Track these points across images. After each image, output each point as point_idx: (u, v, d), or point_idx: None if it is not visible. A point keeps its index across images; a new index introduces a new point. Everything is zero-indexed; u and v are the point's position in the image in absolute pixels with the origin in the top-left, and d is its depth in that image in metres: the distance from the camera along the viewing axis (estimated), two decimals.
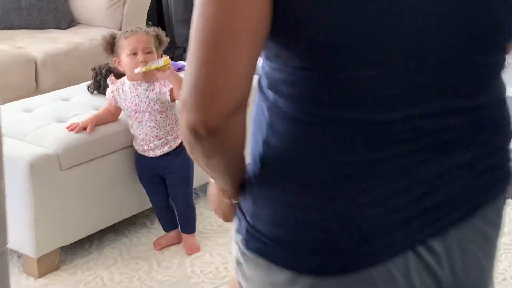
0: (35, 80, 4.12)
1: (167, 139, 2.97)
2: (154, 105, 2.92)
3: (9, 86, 3.87)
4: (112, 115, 3.05)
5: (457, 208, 1.14)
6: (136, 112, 2.95)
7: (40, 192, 2.78)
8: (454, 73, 1.09)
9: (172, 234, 3.13)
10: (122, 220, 3.19)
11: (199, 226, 3.16)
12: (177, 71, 3.63)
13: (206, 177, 1.36)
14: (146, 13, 4.87)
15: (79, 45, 4.33)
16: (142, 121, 2.95)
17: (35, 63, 4.12)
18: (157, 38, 2.99)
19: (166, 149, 2.98)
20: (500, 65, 1.15)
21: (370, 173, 1.08)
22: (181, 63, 3.82)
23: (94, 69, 3.35)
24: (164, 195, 3.08)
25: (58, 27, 4.62)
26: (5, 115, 3.06)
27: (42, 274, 2.88)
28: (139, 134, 2.97)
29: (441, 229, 1.12)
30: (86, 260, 3.02)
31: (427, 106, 1.08)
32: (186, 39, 5.36)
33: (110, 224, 3.13)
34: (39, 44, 4.23)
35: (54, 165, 2.81)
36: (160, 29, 3.07)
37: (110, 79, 3.05)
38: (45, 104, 3.21)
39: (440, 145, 1.10)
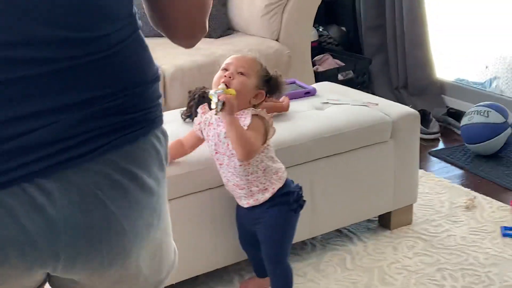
0: (163, 95, 3.70)
1: (251, 191, 2.41)
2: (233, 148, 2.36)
3: None
4: (182, 147, 2.53)
5: (67, 150, 1.15)
6: (216, 153, 2.41)
7: None
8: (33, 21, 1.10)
9: (262, 281, 2.59)
10: None
11: None
12: (303, 96, 3.08)
13: None
14: (312, 22, 4.27)
15: (220, 58, 3.85)
16: (222, 164, 2.43)
17: (164, 77, 3.71)
18: (266, 76, 2.44)
19: (252, 202, 2.43)
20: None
21: None
22: (311, 86, 3.20)
23: (190, 92, 2.85)
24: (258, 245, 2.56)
25: (209, 36, 4.17)
26: None
27: None
28: (224, 178, 2.45)
29: (51, 169, 1.15)
30: None
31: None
32: (376, 49, 4.90)
33: None
34: (173, 56, 3.80)
35: None
36: (280, 75, 2.50)
37: (202, 107, 2.53)
38: None
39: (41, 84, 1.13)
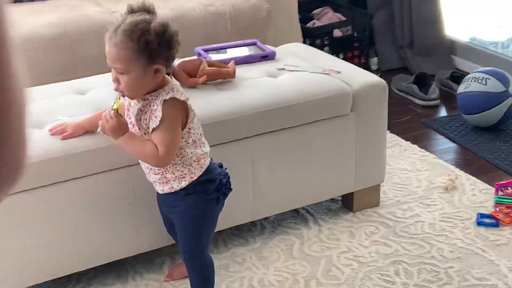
0: None
1: (165, 177, 2.10)
2: (145, 133, 2.05)
3: None
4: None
5: None
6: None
7: None
8: None
9: None
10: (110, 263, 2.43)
11: None
12: (260, 60, 2.76)
13: None
14: None
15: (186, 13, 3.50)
16: None
17: None
18: (143, 46, 1.94)
19: (166, 189, 2.13)
20: None
21: None
22: (270, 49, 2.86)
23: None
24: None
25: None
26: None
27: None
28: (139, 160, 2.17)
29: None
30: None
31: None
32: (380, 3, 4.45)
33: (88, 267, 2.37)
34: None
35: None
36: (163, 25, 1.98)
37: None
38: (48, 98, 2.49)
39: None
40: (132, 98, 2.02)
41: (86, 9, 3.33)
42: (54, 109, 2.39)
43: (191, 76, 2.55)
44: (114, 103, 2.03)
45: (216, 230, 2.56)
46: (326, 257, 2.56)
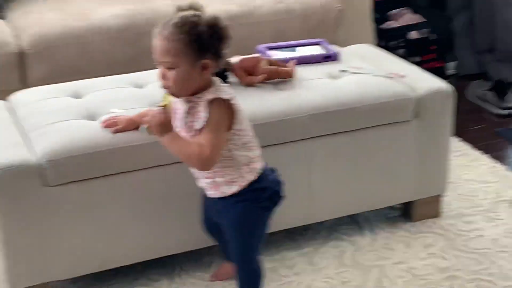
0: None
1: (215, 181, 2.06)
2: (195, 134, 2.01)
3: None
4: None
5: None
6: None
7: (8, 214, 2.13)
8: None
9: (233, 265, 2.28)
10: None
11: None
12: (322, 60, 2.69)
13: None
14: None
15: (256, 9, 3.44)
16: None
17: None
18: (194, 39, 1.91)
19: (218, 194, 2.08)
20: None
21: None
22: (334, 50, 2.79)
23: None
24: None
25: None
26: (35, 98, 2.44)
27: None
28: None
29: None
30: None
31: None
32: (462, 5, 4.28)
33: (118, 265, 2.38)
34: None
35: (33, 179, 2.12)
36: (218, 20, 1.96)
37: None
38: (105, 89, 2.49)
39: None
40: (178, 95, 1.98)
41: (156, 2, 3.32)
42: (110, 101, 2.38)
43: (249, 74, 2.50)
44: (162, 100, 2.00)
45: (268, 232, 2.53)
46: (378, 267, 2.48)
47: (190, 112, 1.97)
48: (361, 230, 2.68)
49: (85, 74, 2.91)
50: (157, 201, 2.30)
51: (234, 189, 2.05)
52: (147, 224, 2.32)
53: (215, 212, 2.15)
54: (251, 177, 2.05)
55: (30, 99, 2.44)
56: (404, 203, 2.75)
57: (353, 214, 2.73)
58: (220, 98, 1.95)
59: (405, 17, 4.23)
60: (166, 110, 1.99)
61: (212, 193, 2.09)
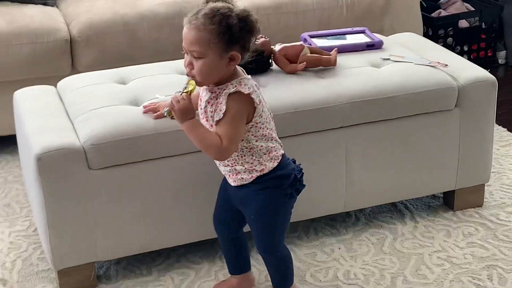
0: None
1: (235, 169, 2.10)
2: (211, 126, 2.06)
3: None
4: None
5: None
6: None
7: (54, 194, 2.20)
8: None
9: (234, 281, 2.30)
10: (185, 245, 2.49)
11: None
12: (365, 48, 2.70)
13: None
14: None
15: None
16: None
17: None
18: (224, 31, 1.95)
19: (238, 181, 2.11)
20: None
21: None
22: (378, 38, 2.79)
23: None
24: (235, 226, 2.24)
25: None
26: (82, 84, 2.51)
27: None
28: None
29: None
30: (131, 283, 2.38)
31: None
32: None
33: (161, 247, 2.44)
34: None
35: (78, 162, 2.19)
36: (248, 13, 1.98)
37: None
38: (150, 76, 2.55)
39: None
40: (202, 84, 2.02)
41: None
42: (153, 87, 2.44)
43: (291, 62, 2.53)
44: (186, 86, 2.03)
45: (308, 218, 2.57)
46: (417, 255, 2.49)
47: (211, 102, 2.01)
48: (401, 218, 2.69)
49: (133, 61, 2.98)
50: (199, 186, 2.34)
51: (254, 174, 2.07)
52: (189, 208, 2.36)
53: (239, 201, 2.16)
54: (272, 164, 2.08)
55: (77, 85, 2.51)
56: (445, 192, 2.75)
57: (394, 202, 2.75)
58: (240, 91, 1.98)
59: (455, 6, 4.20)
60: (189, 97, 2.03)
61: (233, 180, 2.11)
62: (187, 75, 2.02)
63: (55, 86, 2.61)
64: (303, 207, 2.44)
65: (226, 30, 1.93)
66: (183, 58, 2.72)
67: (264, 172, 2.07)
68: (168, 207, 2.34)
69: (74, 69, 3.13)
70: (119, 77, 2.55)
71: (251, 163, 2.07)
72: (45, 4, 3.35)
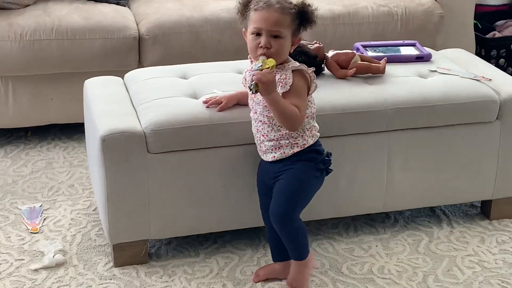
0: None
1: (279, 143, 2.29)
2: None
3: None
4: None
5: None
6: (252, 101, 2.33)
7: (115, 173, 2.40)
8: None
9: (277, 266, 2.46)
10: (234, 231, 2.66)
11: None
12: (414, 60, 2.85)
13: None
14: None
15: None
16: (256, 112, 2.34)
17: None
18: (298, 16, 2.25)
19: (278, 155, 2.31)
20: None
21: None
22: (427, 51, 2.94)
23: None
24: None
25: None
26: (146, 76, 2.72)
27: (119, 263, 2.52)
28: (253, 130, 2.35)
29: None
30: (179, 263, 2.56)
31: None
32: None
33: (210, 231, 2.63)
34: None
35: (138, 146, 2.39)
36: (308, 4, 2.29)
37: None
38: (210, 73, 2.74)
39: None
40: (277, 63, 2.23)
41: None
42: (212, 83, 2.63)
43: (342, 68, 2.70)
44: (262, 64, 2.19)
45: (349, 215, 2.71)
46: (450, 257, 2.62)
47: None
48: (438, 223, 2.82)
49: (195, 60, 3.18)
50: (246, 176, 2.51)
51: (295, 149, 2.29)
52: (236, 197, 2.53)
53: (272, 176, 2.33)
54: (311, 141, 2.31)
55: (143, 77, 2.72)
56: (483, 202, 2.87)
57: (433, 208, 2.88)
58: (303, 69, 2.24)
59: (510, 29, 4.31)
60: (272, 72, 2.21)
61: (273, 155, 2.30)
62: (264, 54, 2.22)
63: (122, 78, 2.82)
64: (345, 204, 2.62)
65: (299, 16, 2.23)
66: (242, 59, 2.94)
67: (305, 147, 2.28)
68: (217, 194, 2.52)
69: (140, 65, 3.36)
70: (181, 72, 2.76)
71: (295, 138, 2.28)
72: (117, 3, 3.60)
